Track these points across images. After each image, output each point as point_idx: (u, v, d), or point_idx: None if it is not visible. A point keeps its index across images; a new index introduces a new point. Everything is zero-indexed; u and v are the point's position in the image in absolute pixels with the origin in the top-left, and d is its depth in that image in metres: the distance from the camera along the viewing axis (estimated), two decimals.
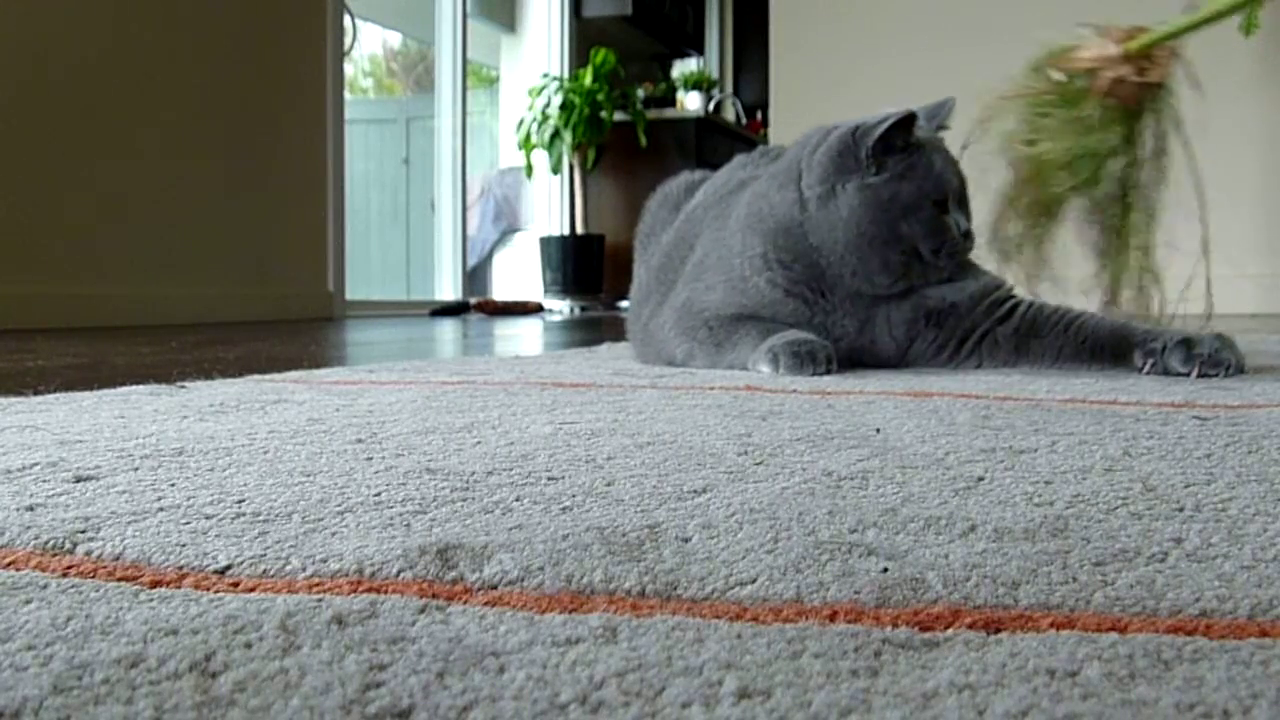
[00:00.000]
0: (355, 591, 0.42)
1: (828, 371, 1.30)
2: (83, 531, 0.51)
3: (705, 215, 1.54)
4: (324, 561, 0.46)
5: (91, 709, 0.31)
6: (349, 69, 4.65)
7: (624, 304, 5.62)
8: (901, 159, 1.35)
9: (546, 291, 5.71)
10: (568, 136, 5.54)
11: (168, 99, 3.36)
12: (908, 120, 1.34)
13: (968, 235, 1.38)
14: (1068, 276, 1.65)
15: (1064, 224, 1.65)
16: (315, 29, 4.03)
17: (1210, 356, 1.25)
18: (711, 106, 6.66)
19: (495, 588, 0.43)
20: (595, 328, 3.41)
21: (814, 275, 1.38)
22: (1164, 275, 1.63)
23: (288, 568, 0.45)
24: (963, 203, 1.39)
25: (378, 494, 0.59)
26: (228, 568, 0.46)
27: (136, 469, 0.67)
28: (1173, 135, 1.61)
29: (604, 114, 5.62)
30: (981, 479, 0.63)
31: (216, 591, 0.43)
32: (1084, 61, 1.60)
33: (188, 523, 0.53)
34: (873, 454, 0.72)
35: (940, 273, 1.37)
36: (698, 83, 6.61)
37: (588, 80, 5.58)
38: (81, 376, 1.36)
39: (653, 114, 6.00)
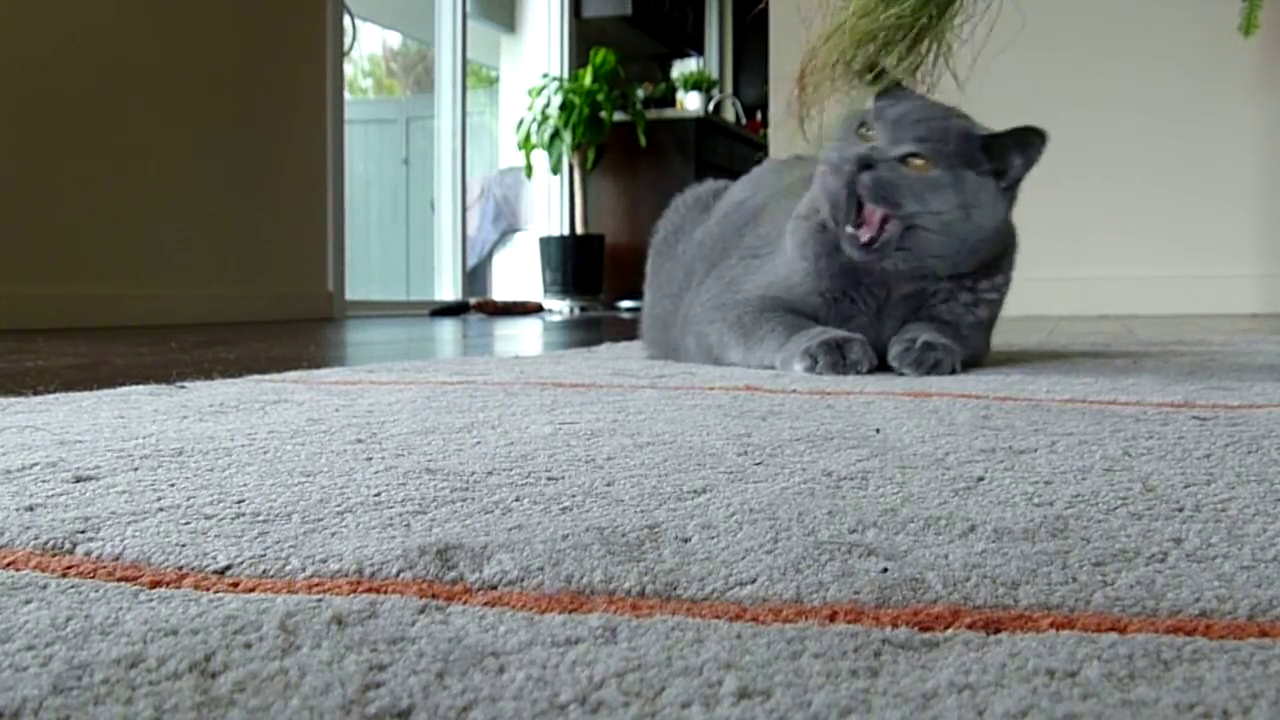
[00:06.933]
0: (355, 591, 0.42)
1: (870, 370, 1.31)
2: (82, 531, 0.51)
3: (761, 211, 1.54)
4: (324, 561, 0.46)
5: (91, 709, 0.31)
6: (349, 69, 4.65)
7: (624, 304, 5.65)
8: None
9: (546, 292, 5.71)
10: (567, 136, 5.54)
11: (168, 99, 3.36)
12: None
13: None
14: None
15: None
16: (315, 29, 4.03)
17: (932, 361, 1.31)
18: (711, 107, 6.66)
19: (495, 588, 0.43)
20: (595, 328, 3.41)
21: (846, 271, 1.39)
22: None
23: (288, 568, 0.45)
24: None
25: (378, 494, 0.59)
26: (228, 568, 0.46)
27: (136, 469, 0.67)
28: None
29: (604, 114, 5.63)
30: (981, 479, 0.63)
31: (216, 591, 0.43)
32: None
33: (188, 523, 0.53)
34: (873, 454, 0.72)
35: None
36: (697, 83, 6.62)
37: (587, 80, 5.59)
38: (81, 376, 1.36)
39: (652, 114, 6.00)
